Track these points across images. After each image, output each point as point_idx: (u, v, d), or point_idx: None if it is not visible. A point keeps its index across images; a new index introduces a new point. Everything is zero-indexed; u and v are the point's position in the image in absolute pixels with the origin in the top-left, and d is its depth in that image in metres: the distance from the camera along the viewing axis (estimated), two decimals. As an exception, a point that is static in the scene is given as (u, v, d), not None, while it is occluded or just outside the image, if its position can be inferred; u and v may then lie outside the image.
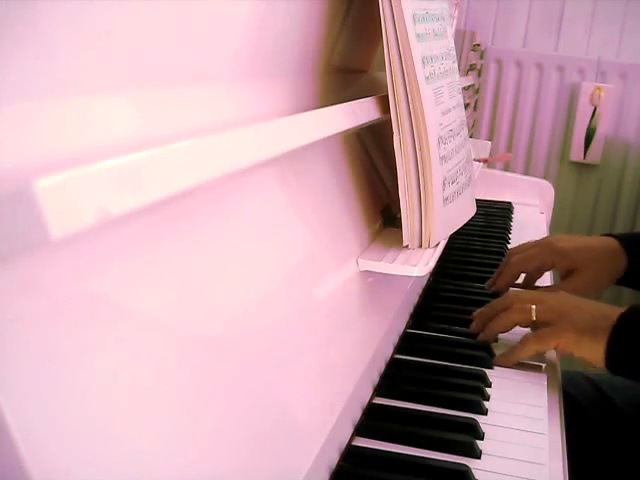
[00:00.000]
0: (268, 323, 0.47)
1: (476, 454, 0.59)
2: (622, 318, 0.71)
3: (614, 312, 0.72)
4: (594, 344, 0.71)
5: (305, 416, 0.47)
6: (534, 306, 0.76)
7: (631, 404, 0.91)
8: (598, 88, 1.98)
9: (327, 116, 0.55)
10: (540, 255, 0.94)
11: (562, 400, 0.71)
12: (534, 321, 0.76)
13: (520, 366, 0.76)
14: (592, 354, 0.71)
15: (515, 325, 0.78)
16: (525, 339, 0.75)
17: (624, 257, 0.93)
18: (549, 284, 0.99)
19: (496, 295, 0.94)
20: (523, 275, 0.98)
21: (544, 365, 0.77)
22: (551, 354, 0.79)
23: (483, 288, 0.97)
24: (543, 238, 1.01)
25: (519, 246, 1.00)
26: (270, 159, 0.44)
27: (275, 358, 0.46)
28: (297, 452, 0.44)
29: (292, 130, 0.48)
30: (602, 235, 0.98)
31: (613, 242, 0.94)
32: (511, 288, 0.96)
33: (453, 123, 0.74)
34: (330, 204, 0.63)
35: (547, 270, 0.99)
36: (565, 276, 0.94)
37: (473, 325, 0.82)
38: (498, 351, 0.78)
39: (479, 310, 0.83)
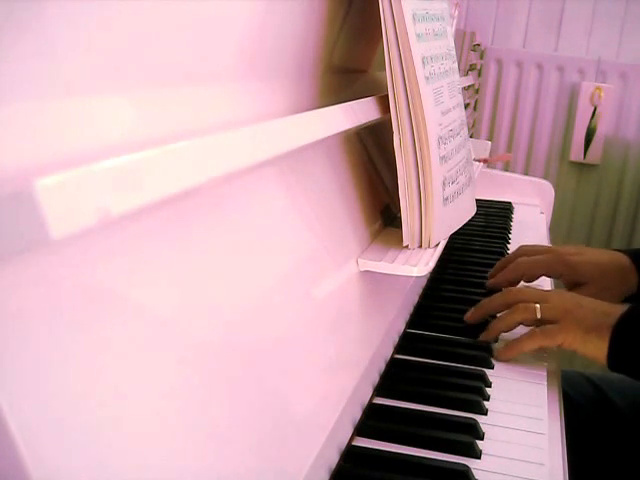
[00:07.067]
0: (268, 323, 0.47)
1: (476, 454, 0.59)
2: (623, 317, 0.72)
3: (616, 310, 0.73)
4: (599, 341, 0.72)
5: (305, 416, 0.47)
6: (538, 305, 0.76)
7: (631, 404, 0.91)
8: (598, 88, 1.98)
9: (327, 116, 0.54)
10: (548, 264, 0.93)
11: (562, 400, 0.71)
12: (539, 319, 0.76)
13: (522, 363, 0.76)
14: (596, 351, 0.72)
15: (519, 324, 0.79)
16: (532, 332, 0.76)
17: (635, 274, 0.92)
18: (548, 288, 0.98)
19: (493, 292, 0.93)
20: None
21: (546, 364, 0.77)
22: (552, 354, 0.79)
23: (483, 288, 0.97)
24: (553, 247, 1.00)
25: (529, 247, 0.98)
26: (270, 159, 0.44)
27: (275, 358, 0.46)
28: (297, 452, 0.45)
29: (292, 130, 0.48)
30: (614, 250, 0.97)
31: (624, 258, 0.93)
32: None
33: (453, 123, 0.74)
34: (330, 204, 0.63)
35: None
36: (572, 288, 0.92)
37: (469, 314, 0.83)
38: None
39: (479, 303, 0.84)
